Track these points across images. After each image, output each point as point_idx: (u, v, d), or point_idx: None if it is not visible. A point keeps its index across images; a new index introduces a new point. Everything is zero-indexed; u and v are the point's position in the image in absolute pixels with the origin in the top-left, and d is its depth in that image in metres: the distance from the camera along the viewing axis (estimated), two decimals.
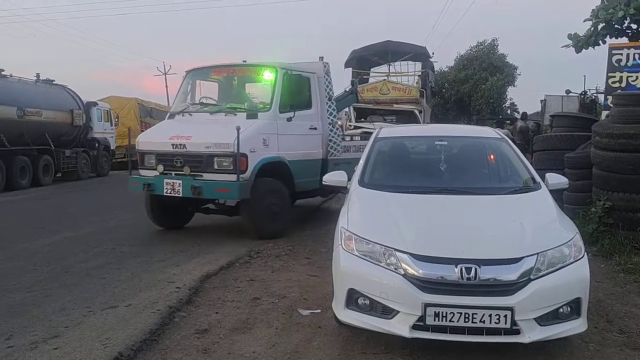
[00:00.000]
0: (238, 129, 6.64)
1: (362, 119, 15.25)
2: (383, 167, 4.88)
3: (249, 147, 6.95)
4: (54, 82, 17.70)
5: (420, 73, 17.17)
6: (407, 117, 14.80)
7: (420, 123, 13.92)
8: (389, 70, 17.48)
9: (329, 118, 8.65)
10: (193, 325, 4.23)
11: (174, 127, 7.81)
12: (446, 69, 39.50)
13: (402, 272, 3.34)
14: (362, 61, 17.16)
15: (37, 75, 16.95)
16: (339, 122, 16.52)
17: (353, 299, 3.50)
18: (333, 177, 4.81)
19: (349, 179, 4.70)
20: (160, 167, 7.45)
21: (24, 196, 13.58)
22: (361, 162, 4.85)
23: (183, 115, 8.06)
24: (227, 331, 4.09)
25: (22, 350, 3.68)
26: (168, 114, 8.55)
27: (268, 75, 7.91)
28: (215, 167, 7.04)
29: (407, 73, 17.89)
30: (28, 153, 15.58)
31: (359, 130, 12.74)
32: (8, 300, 4.85)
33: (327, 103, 8.63)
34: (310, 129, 8.24)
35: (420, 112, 15.07)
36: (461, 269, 3.24)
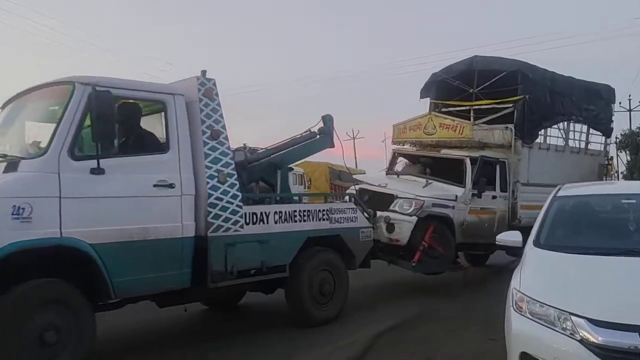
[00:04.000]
0: None
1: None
2: (562, 228, 4.62)
3: None
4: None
5: (517, 100, 9.85)
6: (450, 170, 8.99)
7: (464, 182, 8.54)
8: (473, 98, 10.81)
9: (210, 168, 5.25)
10: None
11: None
12: None
13: (579, 338, 3.17)
14: (444, 88, 11.26)
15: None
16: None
17: None
18: (506, 237, 4.63)
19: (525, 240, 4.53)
20: None
21: None
22: (537, 221, 4.66)
23: None
24: None
25: None
26: None
27: (58, 98, 4.73)
28: None
29: (497, 103, 10.20)
30: None
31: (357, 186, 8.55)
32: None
33: (207, 143, 5.29)
34: (157, 186, 4.85)
35: (496, 162, 9.16)
36: None
